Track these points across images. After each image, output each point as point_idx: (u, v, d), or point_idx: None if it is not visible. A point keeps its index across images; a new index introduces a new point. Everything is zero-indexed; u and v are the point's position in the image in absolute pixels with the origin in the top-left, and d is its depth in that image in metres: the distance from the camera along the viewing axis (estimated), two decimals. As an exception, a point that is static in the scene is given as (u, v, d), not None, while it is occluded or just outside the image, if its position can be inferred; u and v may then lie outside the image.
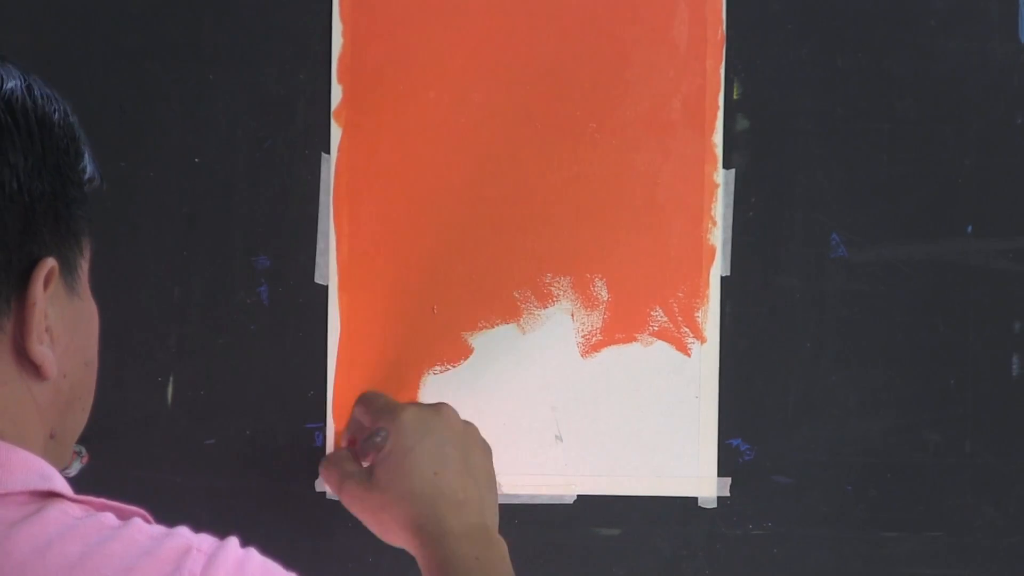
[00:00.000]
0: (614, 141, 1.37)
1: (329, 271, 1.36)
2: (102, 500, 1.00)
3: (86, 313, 1.05)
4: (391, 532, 1.27)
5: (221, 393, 1.36)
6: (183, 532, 0.97)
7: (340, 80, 1.35)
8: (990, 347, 1.39)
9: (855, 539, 1.39)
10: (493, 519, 1.27)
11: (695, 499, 1.38)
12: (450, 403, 1.30)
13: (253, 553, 0.99)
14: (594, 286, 1.37)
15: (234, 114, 1.36)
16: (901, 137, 1.39)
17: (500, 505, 1.30)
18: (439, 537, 1.22)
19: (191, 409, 1.36)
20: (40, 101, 1.01)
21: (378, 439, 1.26)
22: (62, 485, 0.98)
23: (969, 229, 1.39)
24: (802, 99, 1.38)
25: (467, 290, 1.37)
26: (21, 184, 0.98)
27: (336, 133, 1.36)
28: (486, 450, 1.30)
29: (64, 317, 1.02)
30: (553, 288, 1.37)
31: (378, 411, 1.30)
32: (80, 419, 1.08)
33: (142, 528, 0.97)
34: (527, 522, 1.37)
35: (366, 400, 1.33)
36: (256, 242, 1.36)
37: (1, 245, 0.97)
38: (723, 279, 1.38)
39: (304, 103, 1.36)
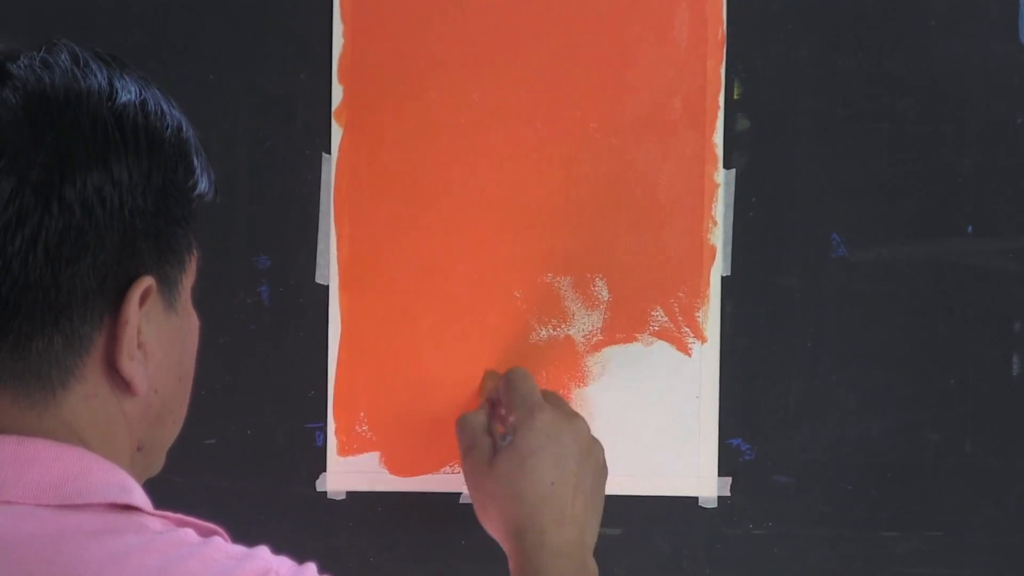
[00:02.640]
0: (614, 141, 1.37)
1: (330, 271, 1.36)
2: (180, 515, 1.00)
3: (184, 329, 1.04)
4: (491, 522, 1.26)
5: (221, 393, 1.36)
6: (262, 554, 0.97)
7: (341, 80, 1.35)
8: (990, 347, 1.39)
9: (855, 539, 1.39)
10: (592, 541, 1.26)
11: (695, 499, 1.38)
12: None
13: None
14: (594, 286, 1.38)
15: (234, 114, 1.36)
16: (901, 137, 1.39)
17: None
18: (536, 547, 1.22)
19: (191, 409, 1.36)
20: (153, 117, 1.00)
21: (504, 442, 1.26)
22: (142, 499, 0.98)
23: (969, 229, 1.39)
24: (802, 99, 1.38)
25: (467, 290, 1.37)
26: (123, 201, 0.97)
27: (337, 133, 1.36)
28: (603, 472, 1.29)
29: (160, 333, 1.01)
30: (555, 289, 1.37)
31: (517, 400, 1.28)
32: (171, 431, 1.08)
33: (221, 547, 0.96)
34: (527, 522, 1.37)
35: (512, 380, 1.31)
36: (256, 242, 1.36)
37: (98, 262, 0.96)
38: (723, 279, 1.38)
39: (305, 103, 1.36)
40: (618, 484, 1.37)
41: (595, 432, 1.30)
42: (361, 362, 1.36)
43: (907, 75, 1.39)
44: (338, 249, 1.36)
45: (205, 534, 0.99)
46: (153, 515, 0.98)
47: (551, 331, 1.37)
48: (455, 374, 1.36)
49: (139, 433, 1.03)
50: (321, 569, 0.99)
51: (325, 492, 1.36)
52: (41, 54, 0.99)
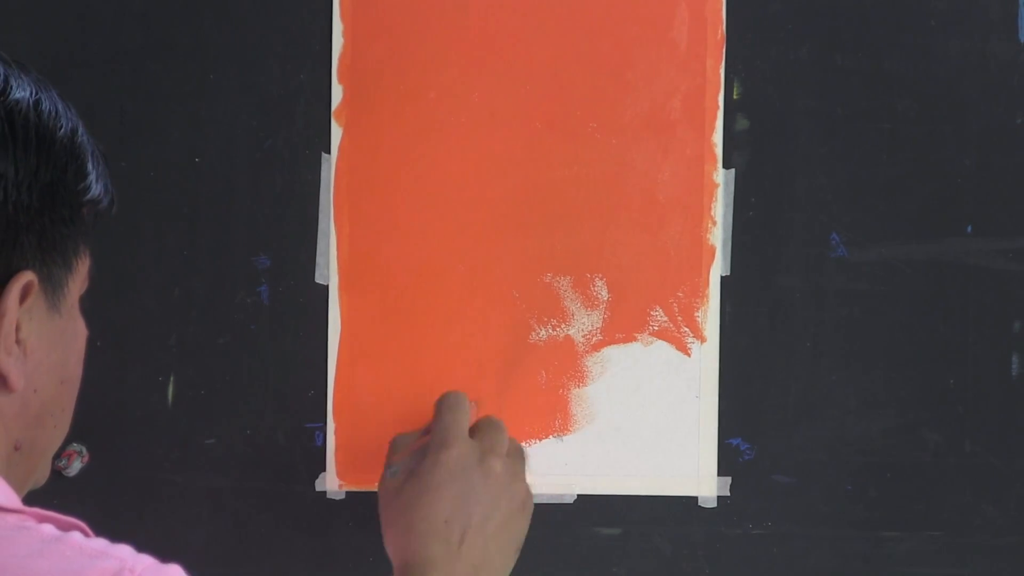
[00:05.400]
0: (614, 141, 1.37)
1: (329, 271, 1.36)
2: (41, 511, 0.98)
3: (69, 332, 1.04)
4: (387, 544, 1.26)
5: (221, 393, 1.36)
6: (119, 552, 0.95)
7: (341, 80, 1.36)
8: (990, 347, 1.39)
9: (855, 539, 1.39)
10: None
11: (695, 499, 1.38)
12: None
13: None
14: (594, 286, 1.38)
15: (234, 114, 1.36)
16: (901, 137, 1.39)
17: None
18: None
19: (191, 409, 1.36)
20: (45, 117, 1.00)
21: (389, 472, 1.25)
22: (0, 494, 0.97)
23: (969, 229, 1.39)
24: (802, 99, 1.38)
25: (467, 290, 1.37)
26: (7, 195, 0.97)
27: (336, 133, 1.36)
28: (518, 513, 1.26)
29: (42, 333, 1.01)
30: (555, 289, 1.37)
31: (438, 429, 1.27)
32: (52, 435, 1.06)
33: (76, 543, 0.95)
34: (527, 522, 1.37)
35: (441, 407, 1.29)
36: (256, 242, 1.36)
37: None
38: (723, 279, 1.38)
39: (304, 103, 1.36)
40: (618, 484, 1.37)
41: (595, 432, 1.30)
42: (361, 362, 1.36)
43: (907, 75, 1.39)
44: (338, 249, 1.36)
45: (66, 529, 0.97)
46: (8, 511, 0.97)
47: (550, 331, 1.37)
48: (454, 374, 1.36)
49: (16, 431, 1.02)
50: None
51: (324, 492, 1.36)
52: None
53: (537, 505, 1.35)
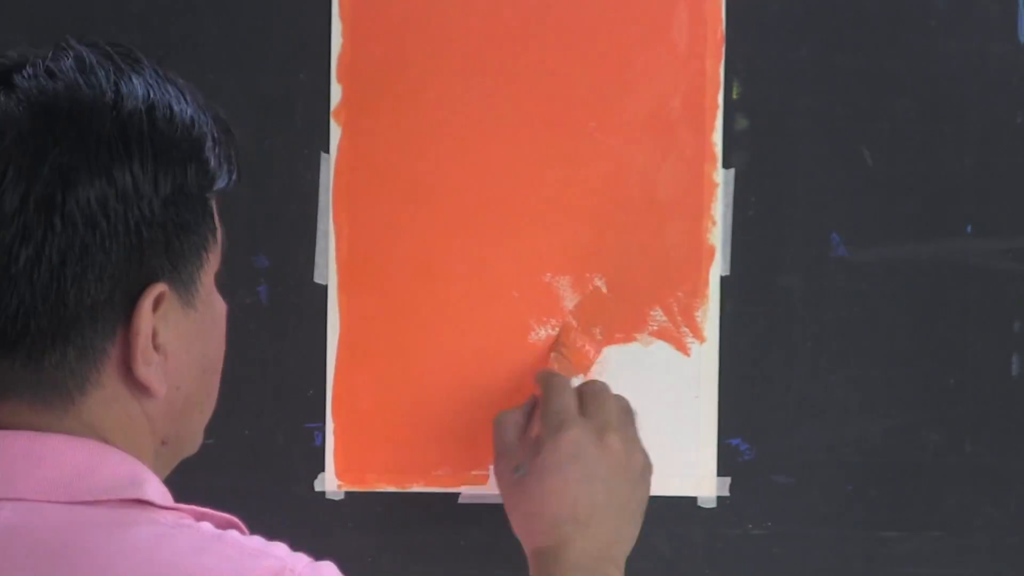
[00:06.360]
0: (614, 141, 1.37)
1: (328, 271, 1.36)
2: (198, 508, 0.99)
3: (206, 322, 1.04)
4: (517, 529, 1.25)
5: (221, 393, 1.36)
6: (278, 552, 0.96)
7: (340, 80, 1.35)
8: (990, 347, 1.39)
9: (855, 539, 1.39)
10: (620, 554, 1.24)
11: (695, 499, 1.38)
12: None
13: None
14: (594, 285, 1.37)
15: (233, 114, 1.35)
16: (901, 137, 1.39)
17: (499, 505, 1.29)
18: (553, 562, 1.21)
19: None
20: (160, 123, 0.98)
21: (518, 474, 1.25)
22: (155, 492, 0.98)
23: (969, 229, 1.39)
24: (802, 99, 1.38)
25: (466, 290, 1.37)
26: (128, 213, 0.96)
27: (336, 133, 1.36)
28: (640, 484, 1.27)
29: (179, 333, 1.01)
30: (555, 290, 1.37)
31: (549, 414, 1.26)
32: (198, 421, 1.07)
33: (236, 542, 0.96)
34: (527, 522, 1.37)
35: (548, 391, 1.29)
36: (256, 242, 1.36)
37: (105, 276, 0.95)
38: (723, 279, 1.38)
39: (304, 103, 1.36)
40: (618, 484, 1.37)
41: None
42: (360, 362, 1.36)
43: (907, 75, 1.39)
44: (337, 249, 1.36)
45: (222, 526, 0.98)
46: (166, 509, 0.97)
47: (549, 331, 1.37)
48: (454, 373, 1.36)
49: (163, 430, 1.03)
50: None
51: (324, 492, 1.36)
52: (46, 62, 0.98)
53: (537, 505, 1.36)
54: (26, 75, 0.97)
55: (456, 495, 1.37)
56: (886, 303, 1.39)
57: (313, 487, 1.36)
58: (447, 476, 1.37)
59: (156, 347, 0.99)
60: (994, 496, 1.39)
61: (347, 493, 1.36)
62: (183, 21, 1.35)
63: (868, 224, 1.39)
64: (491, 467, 1.36)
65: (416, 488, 1.36)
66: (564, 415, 1.26)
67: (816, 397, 1.39)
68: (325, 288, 1.35)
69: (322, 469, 1.36)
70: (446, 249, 1.36)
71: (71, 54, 0.99)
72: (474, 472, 1.37)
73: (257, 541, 0.97)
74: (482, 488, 1.36)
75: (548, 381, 1.29)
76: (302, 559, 0.97)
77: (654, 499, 1.38)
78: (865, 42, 1.38)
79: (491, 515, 1.36)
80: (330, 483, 1.36)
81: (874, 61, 1.38)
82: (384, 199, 1.36)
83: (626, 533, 1.26)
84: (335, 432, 1.36)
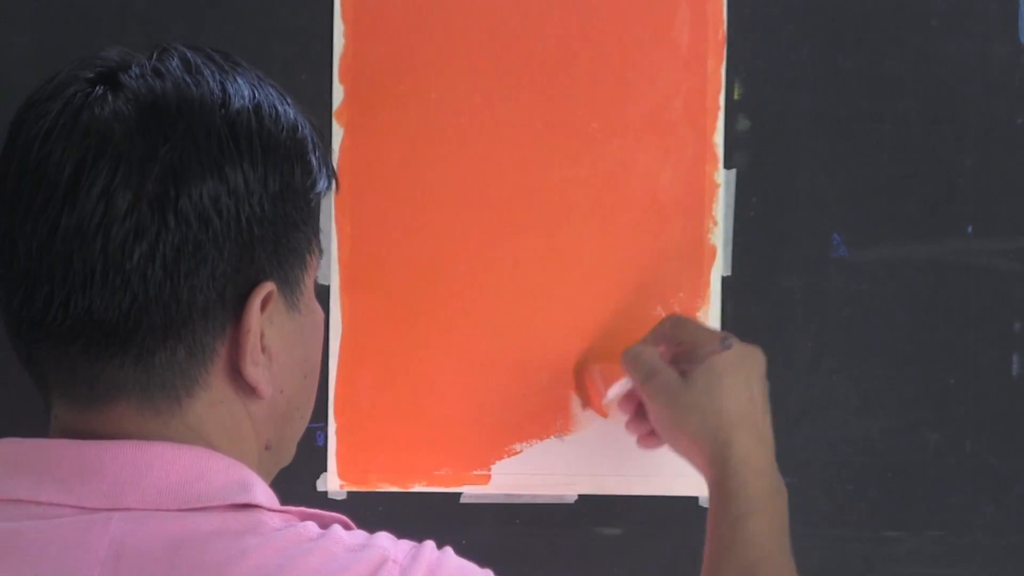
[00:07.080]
0: (615, 141, 1.37)
1: (331, 271, 1.36)
2: (303, 508, 0.99)
3: (308, 326, 1.04)
4: (685, 439, 1.24)
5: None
6: (380, 542, 0.97)
7: (341, 80, 1.35)
8: (990, 347, 1.40)
9: (855, 539, 1.39)
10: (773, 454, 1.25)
11: (695, 499, 1.38)
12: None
13: (448, 555, 0.98)
14: (595, 285, 1.37)
15: (236, 114, 1.35)
16: (901, 137, 1.39)
17: (500, 504, 1.30)
18: (742, 463, 1.21)
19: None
20: (267, 121, 0.98)
21: (727, 343, 1.24)
22: (263, 495, 0.98)
23: (969, 229, 1.39)
24: (802, 99, 1.38)
25: (468, 290, 1.37)
26: (240, 210, 0.96)
27: (338, 133, 1.36)
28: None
29: (283, 335, 1.01)
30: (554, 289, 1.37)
31: (705, 333, 1.27)
32: (299, 426, 1.07)
33: (340, 538, 0.96)
34: (528, 522, 1.37)
35: (689, 320, 1.31)
36: (257, 242, 1.36)
37: (217, 273, 0.96)
38: (724, 279, 1.38)
39: (305, 103, 1.34)
40: (618, 484, 1.37)
41: (596, 432, 1.30)
42: (362, 362, 1.36)
43: (907, 75, 1.39)
44: (339, 249, 1.36)
45: (326, 525, 0.98)
46: (273, 511, 0.98)
47: (551, 331, 1.37)
48: (455, 374, 1.36)
49: (266, 433, 1.03)
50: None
51: (325, 492, 1.36)
52: (152, 62, 0.99)
53: (538, 505, 1.36)
54: (132, 75, 0.98)
55: (458, 495, 1.37)
56: (886, 303, 1.39)
57: (315, 487, 1.36)
58: (449, 476, 1.37)
59: (262, 348, 0.99)
60: (994, 496, 1.40)
61: (349, 493, 1.36)
62: (185, 22, 1.35)
63: (868, 224, 1.39)
64: (492, 467, 1.36)
65: (418, 488, 1.37)
66: (708, 329, 1.29)
67: (816, 397, 1.39)
68: (327, 288, 1.35)
69: (324, 469, 1.36)
70: (448, 249, 1.36)
71: (176, 55, 0.99)
72: (476, 472, 1.37)
73: (359, 535, 0.97)
74: (484, 488, 1.37)
75: (677, 317, 1.31)
76: (402, 546, 0.97)
77: (654, 499, 1.38)
78: (866, 43, 1.39)
79: (493, 515, 1.37)
80: (332, 483, 1.36)
81: (875, 61, 1.39)
82: (386, 200, 1.36)
83: (770, 427, 1.26)
84: (337, 432, 1.36)
